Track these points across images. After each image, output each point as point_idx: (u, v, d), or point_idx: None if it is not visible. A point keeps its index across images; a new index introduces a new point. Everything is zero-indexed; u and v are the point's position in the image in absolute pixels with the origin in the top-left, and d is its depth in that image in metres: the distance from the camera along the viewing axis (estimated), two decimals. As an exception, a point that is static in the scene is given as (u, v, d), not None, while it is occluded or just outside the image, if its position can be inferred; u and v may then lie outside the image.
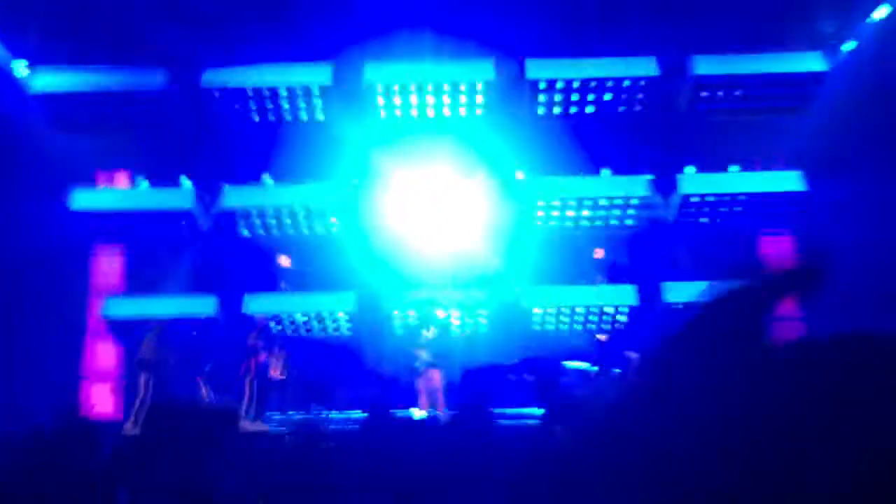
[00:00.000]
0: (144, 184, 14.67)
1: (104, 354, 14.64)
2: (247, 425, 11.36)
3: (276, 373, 12.09)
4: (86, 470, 3.44)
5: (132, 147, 14.83)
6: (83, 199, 13.94)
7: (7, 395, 12.65)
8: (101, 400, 14.01)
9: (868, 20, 13.89)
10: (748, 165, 14.20)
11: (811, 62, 13.46)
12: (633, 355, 13.30)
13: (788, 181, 13.88)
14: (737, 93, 13.52)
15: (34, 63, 13.66)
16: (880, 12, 13.72)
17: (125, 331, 13.95)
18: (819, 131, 13.91)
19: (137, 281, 14.90)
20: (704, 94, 13.50)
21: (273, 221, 14.23)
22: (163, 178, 14.60)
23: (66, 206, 13.74)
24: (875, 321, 12.64)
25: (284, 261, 14.38)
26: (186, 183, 14.42)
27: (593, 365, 13.39)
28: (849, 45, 14.13)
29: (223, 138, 14.38)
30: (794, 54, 13.66)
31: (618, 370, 13.33)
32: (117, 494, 2.63)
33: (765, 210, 14.04)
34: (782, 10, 13.60)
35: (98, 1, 12.73)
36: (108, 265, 15.08)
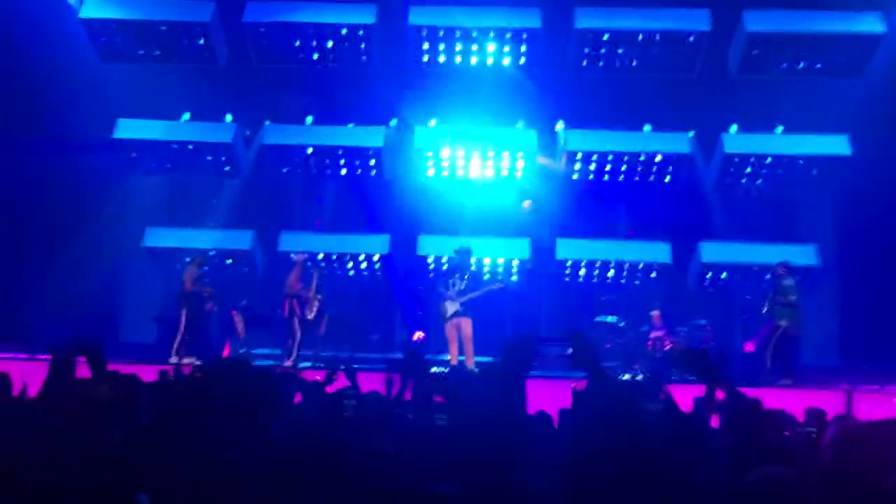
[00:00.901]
0: (187, 116, 14.79)
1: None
2: (289, 364, 11.63)
3: (311, 313, 12.29)
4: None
5: (178, 79, 14.91)
6: (127, 129, 14.10)
7: (50, 315, 13.06)
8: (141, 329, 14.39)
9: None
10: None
11: (868, 23, 13.03)
12: (657, 313, 13.33)
13: (834, 145, 13.61)
14: (789, 52, 13.16)
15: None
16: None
17: (165, 261, 14.26)
18: (871, 96, 13.57)
19: (178, 212, 15.17)
20: (756, 52, 13.15)
21: (312, 161, 14.30)
22: (206, 111, 14.72)
23: (111, 135, 13.93)
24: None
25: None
26: (228, 117, 14.53)
27: (620, 321, 13.47)
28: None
29: (266, 75, 14.37)
30: (851, 14, 13.24)
31: (645, 328, 13.39)
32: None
33: (807, 173, 13.80)
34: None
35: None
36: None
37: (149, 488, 2.54)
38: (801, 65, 13.33)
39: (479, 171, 14.37)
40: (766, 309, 12.04)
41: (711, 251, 13.93)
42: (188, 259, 12.98)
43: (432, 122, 14.34)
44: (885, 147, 13.17)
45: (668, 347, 12.79)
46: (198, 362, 10.68)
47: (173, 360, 11.46)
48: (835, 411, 6.34)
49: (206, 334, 12.99)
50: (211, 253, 14.03)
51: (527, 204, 14.60)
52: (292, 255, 13.02)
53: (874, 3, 13.38)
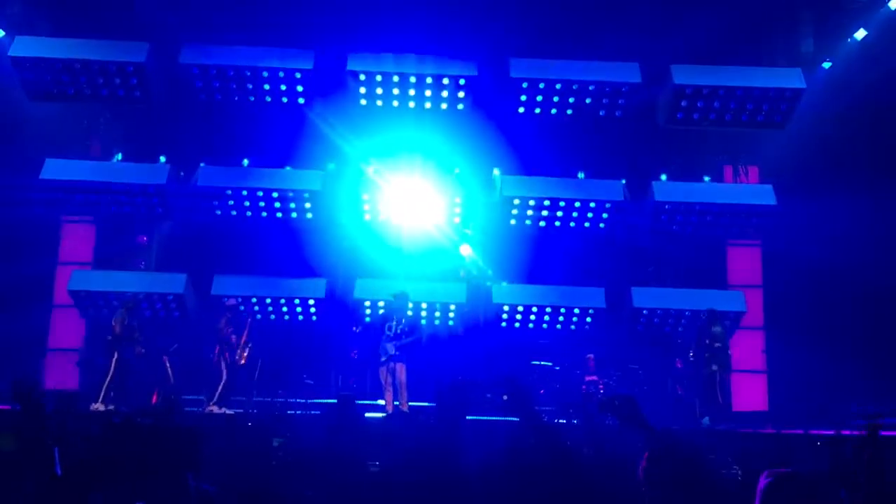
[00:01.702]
0: (119, 156, 14.53)
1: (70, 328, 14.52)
2: (213, 409, 11.38)
3: (242, 358, 12.09)
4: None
5: (109, 119, 14.70)
6: (55, 169, 13.75)
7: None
8: (65, 373, 13.91)
9: (847, 40, 14.15)
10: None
11: (790, 78, 13.63)
12: (592, 357, 13.51)
13: (760, 194, 14.09)
14: (716, 104, 13.65)
15: (15, 31, 13.47)
16: (859, 33, 13.98)
17: (91, 305, 13.85)
18: (794, 147, 14.16)
19: (106, 255, 14.80)
20: (683, 103, 13.62)
21: (247, 203, 14.15)
22: (139, 152, 14.50)
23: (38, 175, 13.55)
24: (842, 329, 13.01)
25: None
26: (162, 159, 14.32)
27: (555, 365, 13.58)
28: (827, 64, 14.41)
29: (202, 116, 14.27)
30: (774, 69, 13.85)
31: (578, 372, 13.53)
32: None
33: (735, 221, 14.22)
34: (764, 26, 13.80)
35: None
36: (78, 237, 14.96)
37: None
38: (728, 117, 13.83)
39: (416, 215, 14.42)
40: (692, 355, 12.40)
41: (643, 296, 14.17)
42: (116, 303, 12.63)
43: (370, 167, 14.38)
44: (811, 195, 13.70)
45: (601, 391, 12.92)
46: (114, 410, 10.41)
47: (98, 406, 11.10)
48: (763, 453, 6.46)
49: (135, 380, 12.63)
50: (141, 297, 13.68)
51: (465, 249, 14.71)
52: (225, 300, 12.78)
53: (795, 59, 14.06)
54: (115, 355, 11.56)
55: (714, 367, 11.88)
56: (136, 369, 12.26)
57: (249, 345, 12.30)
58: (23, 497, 2.48)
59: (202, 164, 14.22)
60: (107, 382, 11.38)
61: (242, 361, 12.06)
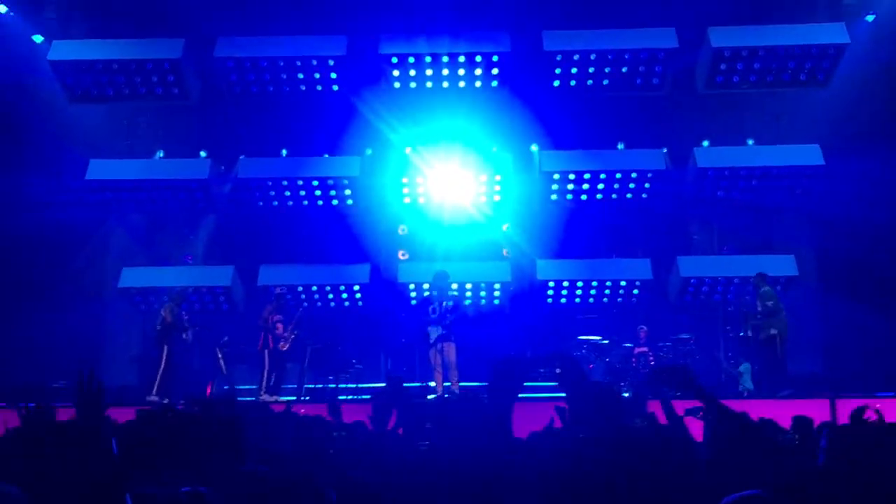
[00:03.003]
0: (161, 153, 14.74)
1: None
2: (265, 398, 11.53)
3: (285, 346, 12.22)
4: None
5: (149, 117, 14.89)
6: (100, 169, 14.00)
7: (30, 367, 12.85)
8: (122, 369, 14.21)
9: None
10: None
11: (833, 33, 13.24)
12: (645, 329, 13.38)
13: (805, 154, 13.74)
14: (756, 65, 13.32)
15: (52, 35, 13.70)
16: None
17: (143, 301, 14.11)
18: (838, 105, 13.75)
19: (155, 251, 15.05)
20: (723, 66, 13.32)
21: (288, 193, 14.26)
22: (180, 148, 14.70)
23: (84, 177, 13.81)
24: (884, 295, 12.68)
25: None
26: (202, 153, 14.51)
27: (604, 339, 13.48)
28: (870, 17, 13.94)
29: (239, 109, 14.39)
30: (815, 25, 13.46)
31: (628, 344, 13.41)
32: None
33: (781, 183, 13.91)
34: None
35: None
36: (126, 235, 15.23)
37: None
38: (769, 78, 13.50)
39: (456, 195, 14.39)
40: (750, 325, 12.10)
41: (690, 265, 13.98)
42: (166, 298, 12.85)
43: (408, 150, 14.37)
44: (856, 154, 13.32)
45: (652, 363, 12.79)
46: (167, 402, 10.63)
47: (153, 398, 11.33)
48: (820, 419, 6.33)
49: (188, 372, 12.87)
50: (190, 290, 13.92)
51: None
52: (275, 289, 12.93)
53: (837, 14, 13.63)
54: (166, 347, 11.77)
55: (773, 332, 11.60)
56: (187, 361, 12.49)
57: (295, 332, 12.43)
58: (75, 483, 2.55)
59: (242, 157, 14.36)
60: (160, 374, 11.61)
61: (284, 347, 12.18)
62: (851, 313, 13.16)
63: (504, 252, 14.70)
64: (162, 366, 11.68)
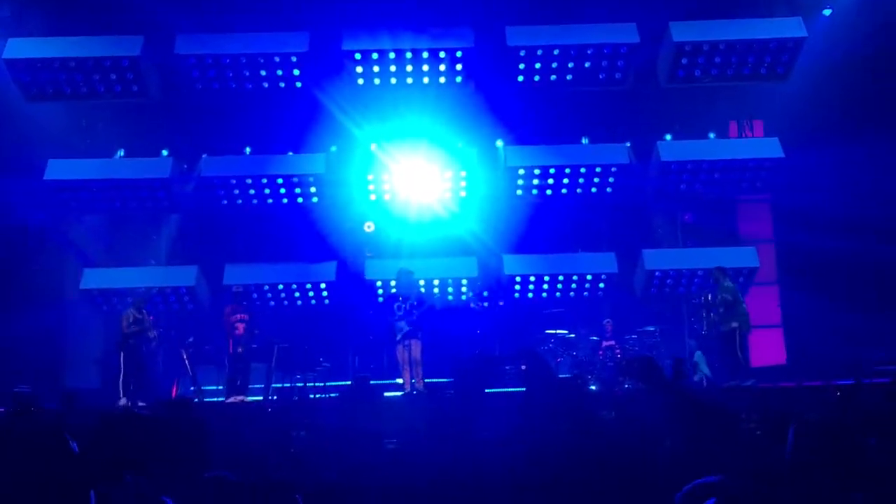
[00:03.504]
0: (121, 152, 14.52)
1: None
2: (234, 399, 11.44)
3: (242, 344, 12.04)
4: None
5: (109, 116, 14.66)
6: (59, 169, 13.75)
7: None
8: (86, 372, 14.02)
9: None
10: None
11: (791, 27, 13.43)
12: (610, 322, 13.48)
13: (767, 147, 13.94)
14: (717, 59, 13.46)
15: (7, 33, 13.42)
16: (859, -22, 13.74)
17: (105, 303, 13.89)
18: (798, 98, 13.97)
19: (116, 252, 14.83)
20: (684, 61, 13.44)
21: (252, 191, 14.13)
22: (141, 147, 14.49)
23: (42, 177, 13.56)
24: (854, 279, 12.93)
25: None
26: (164, 152, 14.32)
27: (570, 332, 13.57)
28: (827, 11, 14.17)
29: (200, 107, 14.21)
30: (774, 20, 13.64)
31: (594, 338, 13.53)
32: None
33: (743, 176, 14.09)
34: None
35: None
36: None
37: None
38: (730, 72, 13.65)
39: (421, 192, 14.37)
40: (707, 318, 12.25)
41: (654, 258, 14.11)
42: (129, 299, 12.66)
43: (373, 146, 14.32)
44: (817, 146, 13.55)
45: (618, 356, 12.91)
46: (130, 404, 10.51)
47: (123, 402, 11.20)
48: (781, 408, 6.41)
49: (153, 373, 12.73)
50: (154, 291, 13.75)
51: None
52: (233, 288, 12.79)
53: (795, 9, 13.83)
54: (122, 353, 11.64)
55: (734, 324, 11.74)
56: (149, 364, 12.34)
57: (255, 331, 12.27)
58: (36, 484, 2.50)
59: (204, 155, 14.20)
60: (121, 379, 11.46)
61: (249, 345, 12.00)
62: (812, 304, 13.39)
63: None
64: (122, 372, 11.53)
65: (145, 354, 11.96)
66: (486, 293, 14.17)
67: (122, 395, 11.37)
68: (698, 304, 13.42)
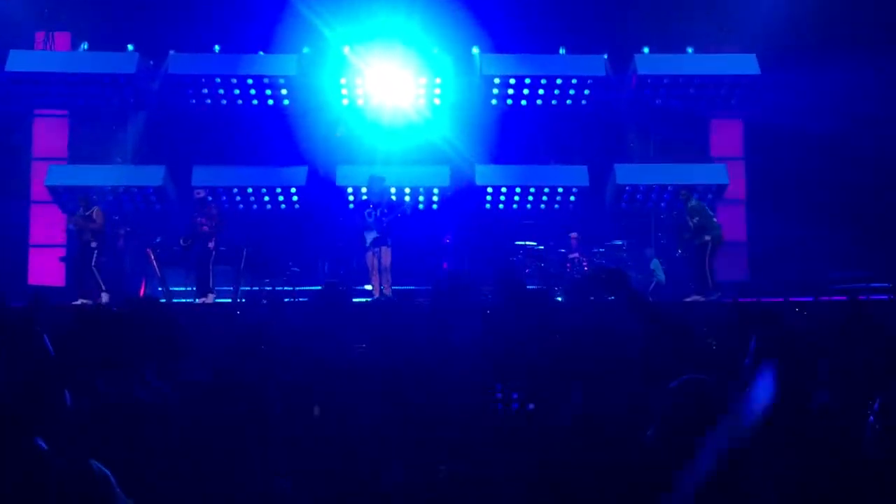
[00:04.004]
0: (85, 45, 14.05)
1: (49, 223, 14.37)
2: (202, 299, 11.44)
3: (212, 244, 11.93)
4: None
5: (73, 7, 14.12)
6: (20, 61, 13.30)
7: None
8: (50, 270, 13.91)
9: None
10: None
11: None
12: (575, 235, 13.57)
13: (742, 64, 13.86)
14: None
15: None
16: None
17: (70, 200, 13.67)
18: (776, 14, 13.80)
19: (81, 148, 14.51)
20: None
21: (221, 91, 13.81)
22: (106, 41, 14.01)
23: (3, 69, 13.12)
24: (822, 199, 13.09)
25: None
26: (130, 47, 13.86)
27: (539, 244, 13.67)
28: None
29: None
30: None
31: (562, 250, 13.64)
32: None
33: (718, 93, 14.04)
34: None
35: None
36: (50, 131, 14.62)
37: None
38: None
39: (395, 97, 14.14)
40: (680, 238, 12.37)
41: (626, 173, 14.14)
42: (95, 197, 12.45)
43: (346, 49, 13.97)
44: (790, 65, 13.49)
45: (585, 268, 13.06)
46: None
47: (82, 301, 11.17)
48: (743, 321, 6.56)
49: (121, 273, 12.69)
50: (121, 190, 13.56)
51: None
52: (195, 193, 12.58)
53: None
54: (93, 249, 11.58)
55: (706, 238, 11.86)
56: (120, 262, 12.27)
57: (217, 228, 12.12)
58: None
59: (172, 52, 13.78)
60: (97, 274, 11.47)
61: (213, 246, 11.88)
62: (778, 223, 13.59)
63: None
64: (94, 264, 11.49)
65: (113, 253, 11.87)
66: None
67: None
68: (669, 223, 13.56)
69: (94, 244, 11.62)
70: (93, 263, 11.54)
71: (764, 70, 13.56)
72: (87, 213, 11.75)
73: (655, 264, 13.28)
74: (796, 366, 3.13)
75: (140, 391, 2.83)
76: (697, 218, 11.92)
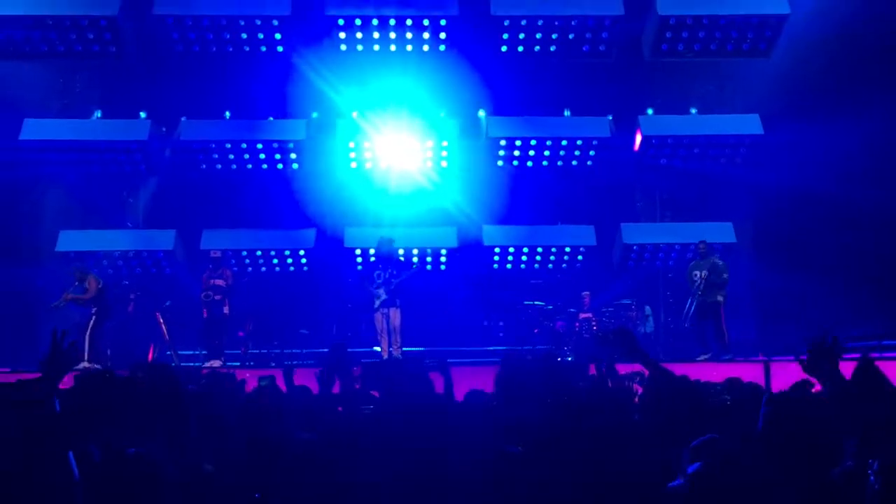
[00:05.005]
0: (98, 114, 14.33)
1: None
2: (210, 363, 11.43)
3: (226, 309, 12.00)
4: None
5: (86, 77, 14.44)
6: (35, 129, 13.56)
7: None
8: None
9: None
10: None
11: (773, 4, 13.45)
12: (588, 294, 13.58)
13: (745, 124, 14.02)
14: (700, 34, 13.47)
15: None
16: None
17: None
18: (779, 75, 14.00)
19: (93, 214, 14.66)
20: (668, 34, 13.43)
21: (232, 156, 14.01)
22: (119, 108, 14.30)
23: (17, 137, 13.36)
24: (824, 256, 13.04)
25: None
26: (142, 114, 14.13)
27: (548, 304, 13.67)
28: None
29: (180, 69, 14.01)
30: (759, -4, 13.63)
31: (572, 310, 13.63)
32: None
33: (722, 152, 14.18)
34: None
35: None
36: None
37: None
38: (713, 47, 13.66)
39: (402, 161, 14.31)
40: (699, 288, 12.15)
41: (633, 232, 14.20)
42: (105, 262, 12.56)
43: (354, 114, 14.21)
44: (794, 125, 13.62)
45: (594, 328, 13.01)
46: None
47: (85, 364, 11.16)
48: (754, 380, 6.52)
49: (129, 337, 12.70)
50: (130, 254, 13.67)
51: None
52: (212, 254, 12.70)
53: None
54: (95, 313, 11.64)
55: (720, 298, 11.85)
56: (129, 327, 12.28)
57: (229, 298, 12.19)
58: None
59: (184, 119, 14.05)
60: (87, 340, 11.45)
61: (227, 311, 11.92)
62: (785, 281, 13.54)
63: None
64: (89, 330, 11.51)
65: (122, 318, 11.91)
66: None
67: (86, 358, 11.34)
68: (678, 282, 13.51)
69: (93, 309, 11.68)
70: (87, 332, 11.53)
71: (767, 130, 13.70)
72: (81, 285, 11.80)
73: (649, 311, 13.37)
74: (815, 436, 3.10)
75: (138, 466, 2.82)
76: (727, 275, 11.94)
